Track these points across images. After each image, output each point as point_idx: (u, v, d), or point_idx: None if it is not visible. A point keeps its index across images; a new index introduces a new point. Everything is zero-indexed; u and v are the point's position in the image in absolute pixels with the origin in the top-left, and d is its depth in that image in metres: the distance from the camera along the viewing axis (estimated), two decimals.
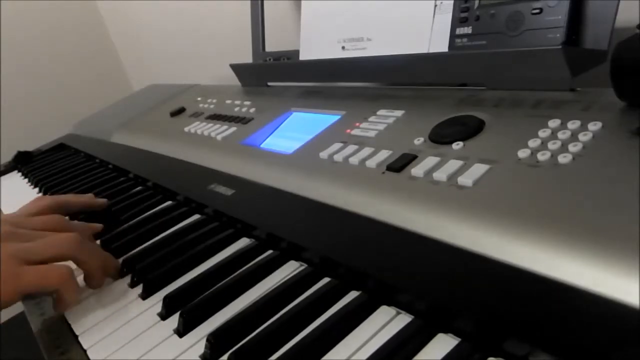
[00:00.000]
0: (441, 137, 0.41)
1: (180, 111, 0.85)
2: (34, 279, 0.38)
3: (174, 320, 0.36)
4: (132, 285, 0.43)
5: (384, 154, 0.43)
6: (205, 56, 1.28)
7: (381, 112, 0.51)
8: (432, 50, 0.53)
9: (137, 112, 0.96)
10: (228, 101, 0.79)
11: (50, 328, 0.41)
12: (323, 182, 0.44)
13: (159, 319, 0.38)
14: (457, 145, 0.39)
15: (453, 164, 0.37)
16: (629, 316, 0.22)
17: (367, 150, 0.45)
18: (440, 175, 0.36)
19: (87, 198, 0.60)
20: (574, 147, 0.33)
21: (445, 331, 0.28)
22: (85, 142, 0.98)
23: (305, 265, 0.39)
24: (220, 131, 0.66)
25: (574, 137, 0.34)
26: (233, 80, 0.87)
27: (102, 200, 0.60)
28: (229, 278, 0.39)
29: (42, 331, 0.41)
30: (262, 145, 0.59)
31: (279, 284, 0.37)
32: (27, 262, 0.39)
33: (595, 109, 0.37)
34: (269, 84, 0.80)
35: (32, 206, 0.52)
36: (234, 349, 0.31)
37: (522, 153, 0.35)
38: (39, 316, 0.43)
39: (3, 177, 0.96)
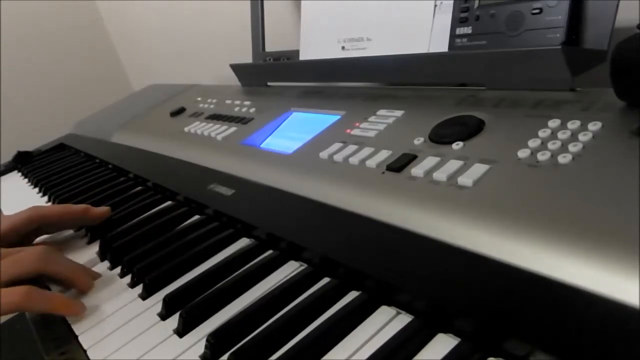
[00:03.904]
0: (441, 137, 0.41)
1: (180, 111, 0.85)
2: None
3: (174, 320, 0.36)
4: (132, 285, 0.43)
5: (384, 154, 0.43)
6: (205, 56, 1.28)
7: (381, 112, 0.51)
8: (432, 50, 0.53)
9: (137, 112, 0.96)
10: (228, 101, 0.79)
11: (50, 327, 0.41)
12: (323, 182, 0.44)
13: (159, 319, 0.38)
14: (457, 145, 0.39)
15: (453, 164, 0.37)
16: (629, 316, 0.22)
17: (367, 150, 0.45)
18: (440, 175, 0.36)
19: (68, 215, 0.53)
20: (574, 147, 0.33)
21: (445, 331, 0.28)
22: (85, 142, 0.98)
23: (305, 265, 0.39)
24: (220, 131, 0.66)
25: (574, 137, 0.34)
26: (233, 80, 0.87)
27: (99, 213, 0.54)
28: (229, 278, 0.39)
29: (41, 331, 0.41)
30: (262, 145, 0.59)
31: (279, 284, 0.37)
32: None
33: (595, 109, 0.37)
34: (269, 84, 0.80)
35: (6, 222, 0.49)
36: (234, 349, 0.31)
37: (522, 153, 0.35)
38: (38, 315, 0.43)
39: (3, 177, 0.96)
